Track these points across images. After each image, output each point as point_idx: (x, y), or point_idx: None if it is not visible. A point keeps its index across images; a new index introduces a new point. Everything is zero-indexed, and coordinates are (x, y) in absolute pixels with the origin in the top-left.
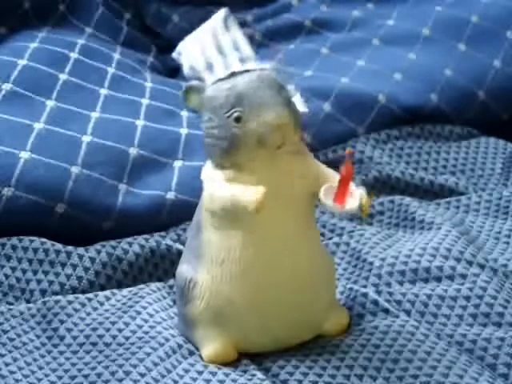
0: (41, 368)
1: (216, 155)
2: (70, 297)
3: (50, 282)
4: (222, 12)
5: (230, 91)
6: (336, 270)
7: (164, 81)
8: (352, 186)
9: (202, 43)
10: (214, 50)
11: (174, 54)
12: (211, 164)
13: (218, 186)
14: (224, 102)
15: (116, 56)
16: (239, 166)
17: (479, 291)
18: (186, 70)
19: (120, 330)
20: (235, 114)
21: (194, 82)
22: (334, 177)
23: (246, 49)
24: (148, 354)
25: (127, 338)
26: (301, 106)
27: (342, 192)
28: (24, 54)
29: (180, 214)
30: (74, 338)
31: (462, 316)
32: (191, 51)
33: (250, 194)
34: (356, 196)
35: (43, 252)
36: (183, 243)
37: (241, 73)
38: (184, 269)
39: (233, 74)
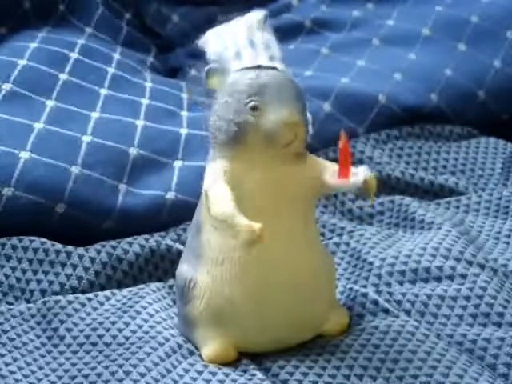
0: (41, 368)
1: (221, 140)
2: (70, 297)
3: (50, 282)
4: (260, 13)
5: (254, 80)
6: (336, 269)
7: (164, 81)
8: (354, 168)
9: (234, 34)
10: (245, 42)
11: (200, 42)
12: (212, 155)
13: (219, 195)
14: (245, 89)
15: (116, 56)
16: (241, 159)
17: (479, 291)
18: (210, 55)
19: (120, 330)
20: (253, 103)
21: (219, 65)
22: (335, 167)
23: (276, 50)
24: (148, 354)
25: (127, 338)
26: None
27: (344, 167)
28: (24, 54)
29: (180, 213)
30: (74, 338)
31: (462, 316)
32: (222, 38)
33: (247, 228)
34: (360, 173)
35: (43, 252)
36: (183, 243)
37: (267, 68)
38: (184, 269)
39: (259, 67)
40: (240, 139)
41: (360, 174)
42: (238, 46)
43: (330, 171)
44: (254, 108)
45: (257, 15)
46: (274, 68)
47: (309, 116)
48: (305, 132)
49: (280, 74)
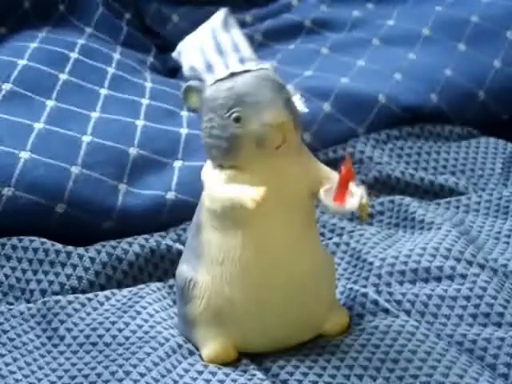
0: (41, 368)
1: (216, 155)
2: (70, 297)
3: (50, 282)
4: (221, 12)
5: (230, 91)
6: (336, 269)
7: (164, 81)
8: (352, 186)
9: (201, 43)
10: (213, 51)
11: (174, 54)
12: (211, 164)
13: (219, 187)
14: (224, 103)
15: (116, 56)
16: (239, 167)
17: (479, 291)
18: (185, 70)
19: (120, 330)
20: (235, 115)
21: (194, 82)
22: (334, 176)
23: (246, 49)
24: (148, 354)
25: (127, 338)
26: (300, 105)
27: (341, 192)
28: (24, 54)
29: (180, 213)
30: (74, 338)
31: (462, 316)
32: (191, 51)
33: (250, 192)
34: (356, 196)
35: (43, 252)
36: (183, 243)
37: (240, 73)
38: (184, 269)
39: (232, 75)
40: (231, 152)
41: (356, 198)
42: (206, 57)
43: (327, 187)
44: (237, 119)
45: (219, 15)
46: (247, 71)
47: (299, 99)
48: (296, 129)
49: (255, 76)
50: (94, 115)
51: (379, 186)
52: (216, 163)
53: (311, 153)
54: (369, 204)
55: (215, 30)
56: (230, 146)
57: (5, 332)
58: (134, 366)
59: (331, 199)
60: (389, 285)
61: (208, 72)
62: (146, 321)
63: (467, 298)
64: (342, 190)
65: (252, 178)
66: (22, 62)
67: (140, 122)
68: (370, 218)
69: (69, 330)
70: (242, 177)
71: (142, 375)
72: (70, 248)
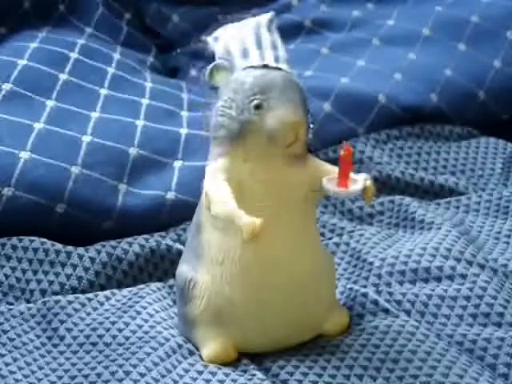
0: (41, 368)
1: (222, 136)
2: (70, 297)
3: (50, 282)
4: (268, 15)
5: (259, 79)
6: (336, 269)
7: (164, 81)
8: (354, 174)
9: (242, 34)
10: (253, 42)
11: (210, 39)
12: (212, 155)
13: (218, 191)
14: (250, 87)
15: (116, 56)
16: (241, 158)
17: (479, 291)
18: (220, 53)
19: (120, 330)
20: (256, 101)
21: (224, 62)
22: (335, 171)
23: (282, 51)
24: (148, 354)
25: (127, 338)
26: None
27: (343, 175)
28: (24, 54)
29: (180, 213)
30: (74, 338)
31: (462, 316)
32: (230, 37)
33: (247, 222)
34: (359, 180)
35: (43, 252)
36: (183, 243)
37: (272, 68)
38: (184, 269)
39: (265, 66)
40: (241, 137)
41: (359, 182)
42: (245, 45)
43: (329, 176)
44: (257, 106)
45: (265, 17)
46: (279, 69)
47: (310, 120)
48: (306, 133)
49: (285, 75)
50: (94, 115)
51: (379, 186)
52: (218, 149)
53: (311, 153)
54: (373, 188)
55: (259, 26)
56: (241, 129)
57: (5, 332)
58: (134, 366)
59: (334, 185)
60: (389, 285)
61: (243, 58)
62: (146, 321)
63: (467, 298)
64: (343, 172)
65: (252, 174)
66: (22, 62)
67: (140, 122)
68: (377, 196)
69: (69, 329)
70: (241, 171)
71: (142, 375)
72: (69, 248)
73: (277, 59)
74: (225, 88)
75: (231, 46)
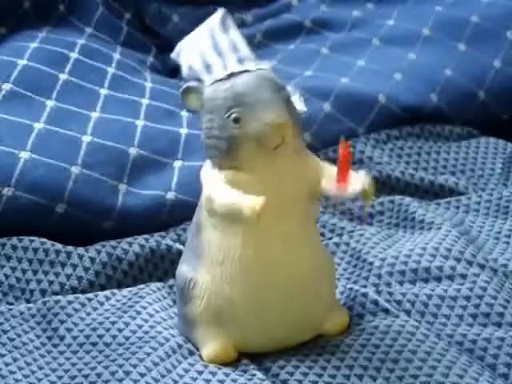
0: (41, 368)
1: (216, 156)
2: (70, 297)
3: (50, 282)
4: (219, 13)
5: (229, 92)
6: (336, 269)
7: (164, 81)
8: (353, 173)
9: (199, 44)
10: (211, 51)
11: (173, 55)
12: (211, 164)
13: (218, 189)
14: (223, 103)
15: (116, 56)
16: (239, 167)
17: (479, 291)
18: (184, 71)
19: (120, 330)
20: (234, 115)
21: (192, 83)
22: (335, 171)
23: (244, 49)
24: (148, 354)
25: (127, 338)
26: (300, 105)
27: (342, 175)
28: (24, 54)
29: (180, 214)
30: (74, 338)
31: (462, 316)
32: (189, 52)
33: (250, 202)
34: (358, 180)
35: (43, 252)
36: (183, 243)
37: (239, 73)
38: (184, 269)
39: (231, 75)
40: (231, 152)
41: (358, 182)
42: (205, 59)
43: (329, 176)
44: (236, 120)
45: (217, 16)
46: (246, 71)
47: (299, 99)
48: (296, 131)
49: (255, 76)
50: (94, 115)
51: (379, 186)
52: (216, 163)
53: (311, 152)
54: (373, 188)
55: (213, 30)
56: (230, 146)
57: (5, 332)
58: (134, 366)
59: (334, 184)
60: (389, 285)
61: (207, 72)
62: (146, 321)
63: (467, 298)
64: (342, 172)
65: (252, 179)
66: (22, 62)
67: (140, 122)
68: (377, 196)
69: (69, 329)
70: (241, 177)
71: (142, 375)
72: (69, 248)
73: (240, 60)
74: (201, 109)
75: (192, 62)
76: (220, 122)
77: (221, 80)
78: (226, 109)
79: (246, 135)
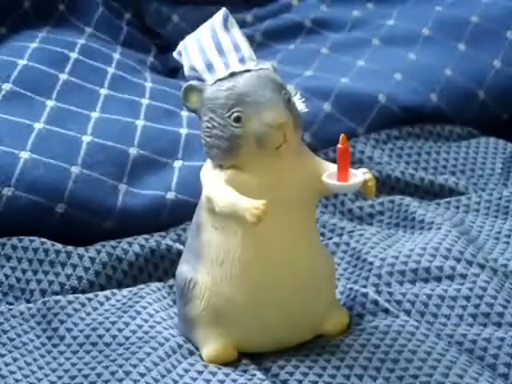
0: (41, 368)
1: (216, 155)
2: (70, 297)
3: (50, 282)
4: (221, 12)
5: (230, 91)
6: (336, 269)
7: (164, 81)
8: (354, 170)
9: (201, 43)
10: (213, 50)
11: (175, 54)
12: (211, 164)
13: (218, 190)
14: (224, 102)
15: (116, 56)
16: (239, 166)
17: (479, 291)
18: (186, 70)
19: (120, 330)
20: (235, 114)
21: (194, 82)
22: (335, 168)
23: (246, 49)
24: (148, 354)
25: (127, 338)
26: (300, 105)
27: (342, 169)
28: (24, 54)
29: (180, 213)
30: (74, 338)
31: (462, 316)
32: (191, 51)
33: (250, 206)
34: (359, 175)
35: (43, 252)
36: (183, 243)
37: (241, 73)
38: (184, 269)
39: (233, 74)
40: (232, 151)
41: (359, 176)
42: (207, 57)
43: (330, 171)
44: (237, 119)
45: (219, 16)
46: (248, 70)
47: (297, 97)
48: (296, 131)
49: (257, 75)
50: (94, 115)
51: (379, 186)
52: (216, 163)
53: (311, 152)
54: (374, 181)
55: (215, 29)
56: (230, 145)
57: (5, 332)
58: (134, 366)
59: (335, 179)
60: (389, 285)
61: (208, 72)
62: (146, 321)
63: (467, 298)
64: (342, 168)
65: (252, 178)
66: (22, 62)
67: (140, 122)
68: (377, 196)
69: (69, 330)
70: (242, 177)
71: (142, 375)
72: (69, 248)
73: (242, 60)
74: (202, 108)
75: (194, 62)
76: (221, 121)
77: (222, 79)
78: (228, 108)
79: (247, 134)
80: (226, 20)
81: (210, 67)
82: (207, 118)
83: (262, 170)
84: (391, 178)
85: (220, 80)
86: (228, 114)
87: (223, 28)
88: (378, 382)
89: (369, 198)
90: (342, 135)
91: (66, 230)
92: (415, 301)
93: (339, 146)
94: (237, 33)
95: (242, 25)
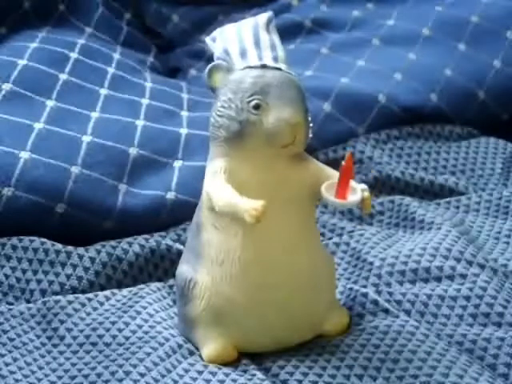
0: (41, 368)
1: (221, 137)
2: (70, 297)
3: (50, 282)
4: (267, 14)
5: (258, 79)
6: (336, 269)
7: (164, 81)
8: (353, 182)
9: (241, 33)
10: (251, 42)
11: (207, 39)
12: (211, 154)
13: (218, 189)
14: (249, 87)
15: (116, 56)
16: (240, 157)
17: (479, 291)
18: (218, 53)
19: (120, 330)
20: (256, 101)
21: (222, 62)
22: (334, 175)
23: (281, 52)
24: (148, 354)
25: (127, 338)
26: None
27: (342, 186)
28: (24, 54)
29: (180, 213)
30: (74, 338)
31: (462, 316)
32: (228, 36)
33: (249, 207)
34: (358, 191)
35: (43, 252)
36: (183, 243)
37: (271, 68)
38: (184, 269)
39: (264, 66)
40: (241, 137)
41: (357, 193)
42: (243, 45)
43: (329, 183)
44: (256, 106)
45: (264, 16)
46: (278, 68)
47: (310, 119)
48: (305, 134)
49: (284, 75)
50: (94, 115)
51: (379, 186)
52: (216, 149)
53: (310, 154)
54: (370, 200)
55: (257, 26)
56: (241, 129)
57: (5, 332)
58: (134, 366)
59: (333, 194)
60: (389, 285)
61: (241, 57)
62: (146, 321)
63: (467, 298)
64: (343, 184)
65: (252, 177)
66: (22, 62)
67: (140, 122)
68: (376, 196)
69: (69, 330)
70: (242, 176)
71: (142, 375)
72: (69, 248)
73: (275, 59)
74: (223, 88)
75: (229, 46)
76: (239, 104)
77: (253, 67)
78: (251, 93)
79: (260, 124)
80: (269, 22)
81: (243, 53)
82: (225, 98)
83: (263, 167)
84: (391, 178)
85: (250, 68)
86: (249, 99)
87: (265, 28)
88: (377, 382)
89: (365, 213)
90: (348, 153)
91: (66, 230)
92: (415, 301)
93: (343, 163)
94: (275, 37)
95: None
